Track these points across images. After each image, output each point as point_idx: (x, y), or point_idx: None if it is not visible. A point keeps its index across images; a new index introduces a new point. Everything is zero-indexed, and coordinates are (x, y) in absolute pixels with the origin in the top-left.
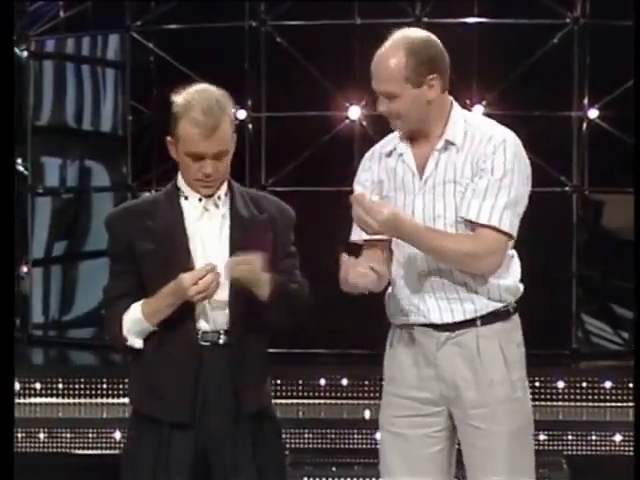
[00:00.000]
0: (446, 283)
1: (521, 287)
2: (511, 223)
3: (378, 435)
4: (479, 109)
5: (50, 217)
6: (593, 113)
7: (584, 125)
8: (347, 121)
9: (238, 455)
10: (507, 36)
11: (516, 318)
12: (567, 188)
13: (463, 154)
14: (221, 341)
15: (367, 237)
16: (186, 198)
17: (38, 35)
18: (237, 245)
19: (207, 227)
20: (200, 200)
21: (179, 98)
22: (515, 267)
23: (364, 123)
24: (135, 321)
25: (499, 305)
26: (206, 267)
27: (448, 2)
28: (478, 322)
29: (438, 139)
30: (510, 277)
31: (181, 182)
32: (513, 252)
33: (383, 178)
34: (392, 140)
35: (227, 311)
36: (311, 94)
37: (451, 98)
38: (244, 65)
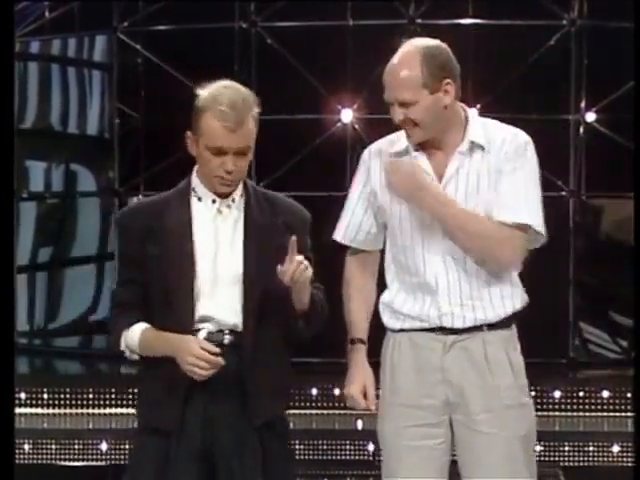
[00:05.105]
0: (463, 290)
1: (526, 295)
2: (540, 220)
3: (371, 447)
4: (474, 112)
5: (35, 222)
6: (590, 116)
7: (581, 128)
8: (339, 124)
9: (246, 469)
10: (503, 38)
11: (514, 325)
12: (564, 193)
13: (488, 157)
14: (226, 341)
15: (356, 245)
16: (199, 199)
17: (23, 36)
18: (250, 253)
19: (219, 232)
20: (214, 202)
21: (204, 92)
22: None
23: (357, 126)
24: (131, 344)
25: (510, 313)
26: (217, 361)
27: (443, 2)
28: (484, 328)
29: (460, 143)
30: (520, 285)
31: (196, 181)
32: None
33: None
34: (399, 141)
35: (238, 309)
36: (302, 96)
37: (464, 105)
38: (234, 67)
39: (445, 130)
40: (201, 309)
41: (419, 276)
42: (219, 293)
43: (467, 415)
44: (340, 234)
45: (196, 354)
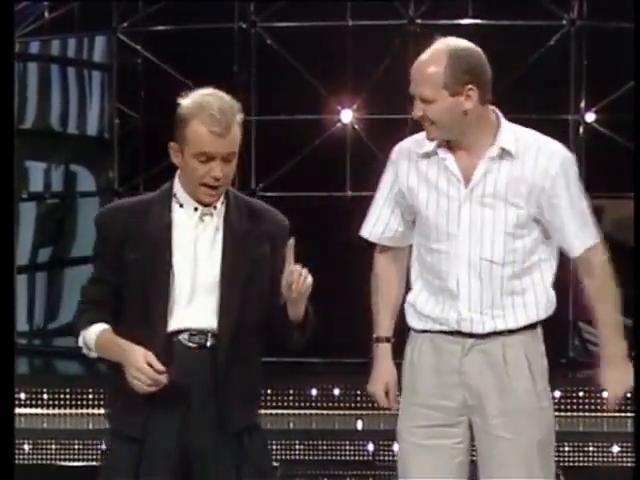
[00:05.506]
0: (484, 299)
1: (554, 304)
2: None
3: (371, 447)
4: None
5: (35, 223)
6: (590, 116)
7: (581, 129)
8: (339, 124)
9: (223, 473)
10: (503, 38)
11: (540, 329)
12: None
13: (519, 166)
14: (208, 343)
15: (384, 242)
16: (181, 206)
17: (23, 36)
18: (228, 259)
19: (199, 240)
20: (196, 209)
21: (187, 100)
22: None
23: (356, 126)
24: (88, 343)
25: (531, 322)
26: (159, 379)
27: (443, 2)
28: (505, 332)
29: (489, 147)
30: (548, 295)
31: (178, 187)
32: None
33: (413, 183)
34: (425, 141)
35: (216, 315)
36: (302, 97)
37: (496, 110)
38: (233, 67)
39: (468, 134)
40: (176, 317)
41: (441, 279)
42: (197, 301)
43: (484, 418)
44: (367, 231)
45: (139, 367)
